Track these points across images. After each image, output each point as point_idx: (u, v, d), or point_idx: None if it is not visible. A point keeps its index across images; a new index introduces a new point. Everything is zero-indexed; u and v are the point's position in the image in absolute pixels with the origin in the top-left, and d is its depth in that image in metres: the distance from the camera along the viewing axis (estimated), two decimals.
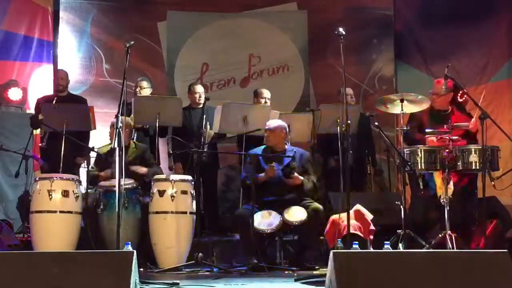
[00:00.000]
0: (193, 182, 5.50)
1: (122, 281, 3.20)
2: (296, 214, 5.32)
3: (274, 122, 5.71)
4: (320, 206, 5.48)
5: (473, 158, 5.15)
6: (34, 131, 6.67)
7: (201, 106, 6.66)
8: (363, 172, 7.03)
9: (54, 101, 6.49)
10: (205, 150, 6.25)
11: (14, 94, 7.67)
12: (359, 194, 6.19)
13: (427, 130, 5.22)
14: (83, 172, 6.15)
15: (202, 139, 6.30)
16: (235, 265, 5.45)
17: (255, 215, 5.23)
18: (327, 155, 6.86)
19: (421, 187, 5.28)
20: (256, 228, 5.19)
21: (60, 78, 6.82)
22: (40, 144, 6.42)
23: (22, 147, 6.22)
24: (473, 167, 5.18)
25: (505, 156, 7.00)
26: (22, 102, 7.80)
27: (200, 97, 6.77)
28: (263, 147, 5.74)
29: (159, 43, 8.71)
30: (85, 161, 5.50)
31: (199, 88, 6.91)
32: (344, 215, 4.88)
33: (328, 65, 8.60)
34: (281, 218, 5.29)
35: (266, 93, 6.95)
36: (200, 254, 5.07)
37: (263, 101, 6.85)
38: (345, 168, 4.48)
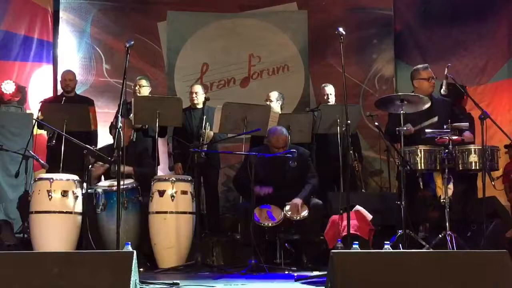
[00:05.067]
0: (193, 182, 5.50)
1: (122, 281, 3.19)
2: (298, 210, 5.33)
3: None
4: (320, 202, 5.50)
5: (473, 158, 5.14)
6: (38, 130, 6.68)
7: (201, 106, 6.66)
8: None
9: (62, 102, 6.51)
10: (204, 150, 6.24)
11: (7, 86, 7.65)
12: (359, 194, 6.18)
13: (427, 131, 5.20)
14: None
15: (201, 140, 6.30)
16: (235, 265, 5.45)
17: (256, 209, 5.24)
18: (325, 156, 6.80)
19: (421, 187, 5.26)
20: (257, 221, 5.20)
21: (69, 79, 6.79)
22: (48, 144, 6.43)
23: (22, 147, 6.22)
24: (473, 167, 5.17)
25: (505, 156, 7.01)
26: (21, 100, 7.81)
27: (195, 97, 6.75)
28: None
29: (159, 43, 8.72)
30: (94, 161, 5.49)
31: (195, 88, 6.90)
32: (344, 216, 4.88)
33: (328, 65, 8.61)
34: (283, 213, 5.31)
35: (269, 94, 6.93)
36: None
37: (268, 102, 6.85)
38: (345, 168, 4.47)
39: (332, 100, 6.92)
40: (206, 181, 6.59)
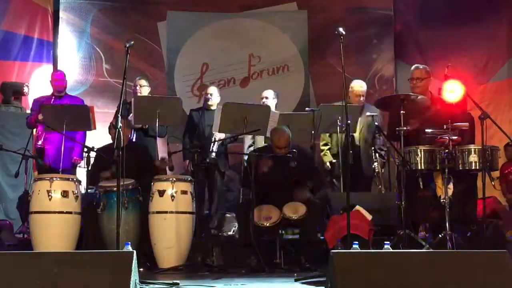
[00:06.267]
0: (193, 182, 5.50)
1: (122, 281, 3.19)
2: (296, 209, 5.34)
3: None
4: (318, 201, 5.50)
5: (473, 158, 5.14)
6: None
7: (215, 108, 6.67)
8: (369, 171, 6.75)
9: (52, 101, 6.51)
10: (214, 151, 6.28)
11: (26, 89, 7.73)
12: (359, 194, 6.16)
13: (426, 131, 5.20)
14: (81, 171, 6.19)
15: (213, 140, 6.32)
16: (235, 265, 5.45)
17: (255, 209, 5.24)
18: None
19: (421, 187, 5.26)
20: (255, 222, 5.20)
21: (59, 79, 6.79)
22: (36, 144, 6.44)
23: (22, 147, 6.22)
24: (473, 167, 5.17)
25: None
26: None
27: (210, 97, 6.79)
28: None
29: (159, 43, 8.72)
30: (83, 161, 5.51)
31: (211, 89, 6.94)
32: (344, 215, 4.88)
33: (328, 65, 8.62)
34: (281, 213, 5.31)
35: (265, 93, 6.97)
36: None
37: (262, 101, 6.87)
38: (346, 168, 4.47)
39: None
40: (211, 183, 6.61)
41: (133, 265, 3.27)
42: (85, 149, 5.26)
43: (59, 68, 8.09)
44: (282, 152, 5.44)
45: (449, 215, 5.06)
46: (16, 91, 7.61)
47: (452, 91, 6.09)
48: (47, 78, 8.19)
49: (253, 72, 8.84)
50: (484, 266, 3.31)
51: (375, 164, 6.69)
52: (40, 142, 6.32)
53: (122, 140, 4.31)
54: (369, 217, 5.43)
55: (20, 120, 7.47)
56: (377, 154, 6.76)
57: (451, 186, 5.16)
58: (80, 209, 5.35)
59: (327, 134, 6.66)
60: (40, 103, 6.47)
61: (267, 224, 5.29)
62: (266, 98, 6.89)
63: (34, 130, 6.70)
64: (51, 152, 6.32)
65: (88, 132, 6.48)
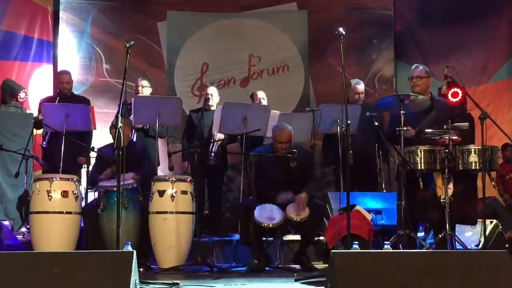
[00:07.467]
0: (193, 182, 5.50)
1: (122, 281, 3.19)
2: (299, 210, 5.32)
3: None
4: (321, 202, 5.50)
5: (473, 158, 5.14)
6: (36, 131, 6.67)
7: (215, 108, 6.67)
8: (372, 171, 6.74)
9: (57, 101, 6.51)
10: (213, 152, 6.28)
11: (23, 95, 7.72)
12: (358, 194, 6.17)
13: (427, 131, 5.20)
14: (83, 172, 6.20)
15: (212, 141, 6.32)
16: (235, 265, 5.45)
17: (257, 208, 5.23)
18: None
19: (421, 187, 5.26)
20: (257, 221, 5.18)
21: (66, 82, 6.77)
22: (41, 144, 6.43)
23: (22, 147, 6.22)
24: (473, 167, 5.17)
25: None
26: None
27: (211, 98, 6.78)
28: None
29: (159, 43, 8.73)
30: (86, 161, 5.50)
31: (211, 90, 6.93)
32: (344, 215, 4.88)
33: (328, 65, 8.63)
34: (284, 214, 5.29)
35: (260, 94, 7.02)
36: None
37: (257, 102, 6.90)
38: (345, 168, 4.47)
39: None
40: (211, 183, 6.61)
41: (133, 265, 3.27)
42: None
43: (59, 68, 8.08)
44: (283, 147, 5.41)
45: (449, 215, 5.06)
46: (13, 94, 7.60)
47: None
48: (47, 78, 8.25)
49: (253, 72, 8.85)
50: (484, 266, 3.31)
51: (378, 160, 6.73)
52: (44, 144, 6.31)
53: (122, 140, 4.31)
54: (369, 217, 5.44)
55: (20, 120, 7.49)
56: (379, 152, 6.80)
57: (451, 186, 5.15)
58: (80, 209, 5.35)
59: None
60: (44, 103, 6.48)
61: (270, 225, 5.27)
62: (263, 99, 6.91)
63: (39, 130, 6.70)
64: (58, 152, 6.28)
65: None
